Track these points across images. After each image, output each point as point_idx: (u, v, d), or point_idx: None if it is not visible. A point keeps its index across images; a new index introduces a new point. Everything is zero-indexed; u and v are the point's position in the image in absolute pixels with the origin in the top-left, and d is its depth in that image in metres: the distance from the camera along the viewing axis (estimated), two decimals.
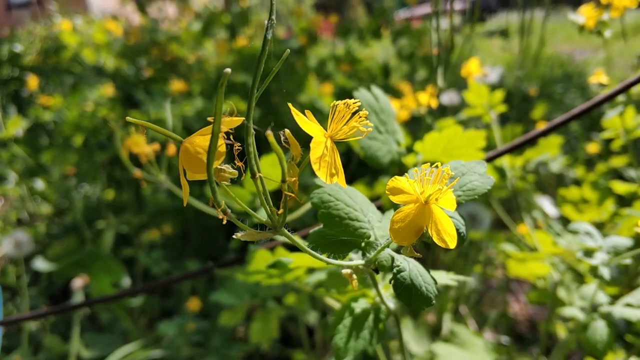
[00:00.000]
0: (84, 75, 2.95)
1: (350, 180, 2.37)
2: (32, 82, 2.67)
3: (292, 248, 0.75)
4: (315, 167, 0.40)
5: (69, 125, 2.50)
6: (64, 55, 3.08)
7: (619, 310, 1.00)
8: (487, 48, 5.35)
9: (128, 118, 0.39)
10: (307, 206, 1.12)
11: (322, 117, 2.34)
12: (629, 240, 0.99)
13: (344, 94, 2.71)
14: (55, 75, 3.14)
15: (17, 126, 2.49)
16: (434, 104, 1.60)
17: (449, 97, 2.23)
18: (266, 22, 0.39)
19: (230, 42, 3.00)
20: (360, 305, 0.73)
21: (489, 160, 1.01)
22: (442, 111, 2.34)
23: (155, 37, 2.99)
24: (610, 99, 1.04)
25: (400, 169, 1.00)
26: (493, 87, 1.76)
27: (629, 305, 1.01)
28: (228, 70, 0.34)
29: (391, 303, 0.71)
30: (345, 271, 0.57)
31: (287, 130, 0.41)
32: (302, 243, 0.66)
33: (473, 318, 2.04)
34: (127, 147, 1.17)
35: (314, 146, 0.41)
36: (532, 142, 1.12)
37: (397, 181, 0.49)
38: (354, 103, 0.45)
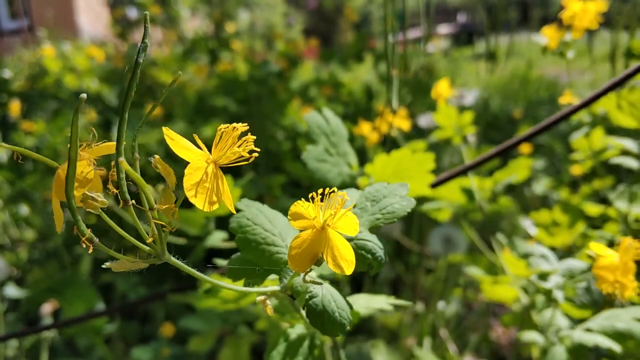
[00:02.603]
0: (68, 101, 2.96)
1: None
2: (14, 108, 2.68)
3: None
4: (189, 194, 0.39)
5: (49, 150, 2.50)
6: (46, 80, 3.10)
7: (578, 335, 0.98)
8: (474, 71, 5.39)
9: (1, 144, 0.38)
10: None
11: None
12: (585, 264, 0.98)
13: None
14: (42, 100, 3.16)
15: None
16: (401, 126, 1.60)
17: (426, 120, 2.23)
18: (139, 44, 0.38)
19: (212, 66, 3.02)
20: (296, 331, 0.71)
21: (441, 182, 1.00)
22: (421, 134, 2.34)
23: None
24: (572, 113, 1.05)
25: None
26: (476, 110, 1.76)
27: (588, 330, 0.99)
28: (84, 95, 0.34)
29: None
30: (259, 298, 0.55)
31: (157, 157, 0.40)
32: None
33: (453, 342, 2.00)
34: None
35: (189, 172, 0.40)
36: (500, 158, 1.11)
37: (298, 206, 0.48)
38: (242, 126, 0.44)
